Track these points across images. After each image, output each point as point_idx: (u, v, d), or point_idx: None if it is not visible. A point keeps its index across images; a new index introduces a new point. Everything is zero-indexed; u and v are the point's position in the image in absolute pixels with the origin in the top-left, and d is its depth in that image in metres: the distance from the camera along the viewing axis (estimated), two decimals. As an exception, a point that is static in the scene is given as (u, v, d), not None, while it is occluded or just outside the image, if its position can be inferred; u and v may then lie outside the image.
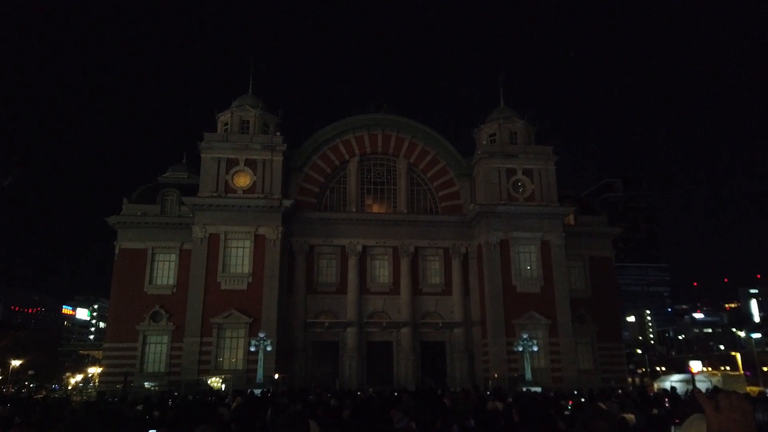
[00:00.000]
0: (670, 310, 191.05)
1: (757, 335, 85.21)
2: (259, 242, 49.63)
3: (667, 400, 20.82)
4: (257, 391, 29.76)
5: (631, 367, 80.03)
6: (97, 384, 55.39)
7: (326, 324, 51.48)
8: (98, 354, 62.21)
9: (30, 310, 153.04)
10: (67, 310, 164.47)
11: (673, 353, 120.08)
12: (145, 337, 50.44)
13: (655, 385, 47.22)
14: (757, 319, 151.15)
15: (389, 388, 34.94)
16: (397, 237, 53.81)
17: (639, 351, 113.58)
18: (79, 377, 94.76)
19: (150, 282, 51.72)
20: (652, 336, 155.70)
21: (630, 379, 59.33)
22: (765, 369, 76.55)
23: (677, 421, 12.53)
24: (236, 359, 46.96)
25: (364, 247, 53.73)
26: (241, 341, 47.06)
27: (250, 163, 51.23)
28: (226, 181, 50.53)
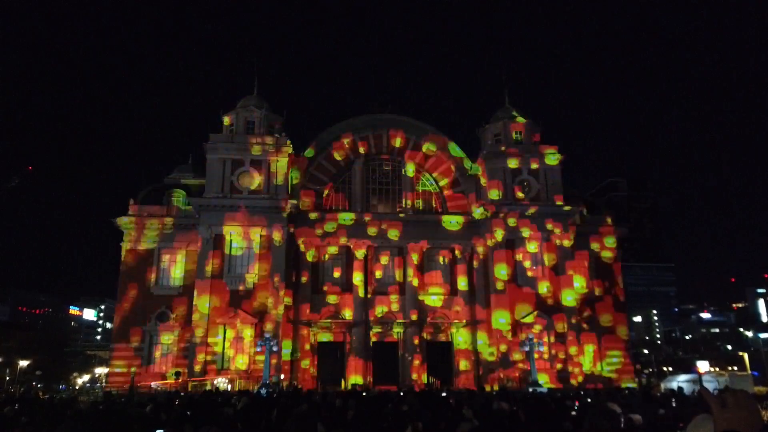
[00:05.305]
0: (676, 309, 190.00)
1: (764, 335, 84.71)
2: (264, 242, 49.73)
3: (674, 400, 20.75)
4: (263, 392, 29.86)
5: (638, 367, 79.75)
6: (104, 384, 55.65)
7: (332, 324, 51.54)
8: (105, 354, 62.54)
9: (37, 311, 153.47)
10: (74, 310, 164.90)
11: (680, 353, 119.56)
12: (151, 338, 50.63)
13: (662, 386, 47.10)
14: (764, 318, 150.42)
15: (395, 389, 34.93)
16: (402, 237, 53.78)
17: (645, 351, 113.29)
18: (86, 377, 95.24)
19: (156, 282, 51.92)
20: (658, 336, 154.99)
21: (636, 380, 59.03)
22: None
23: (681, 425, 12.47)
24: (242, 359, 47.06)
25: (369, 247, 53.74)
26: (247, 341, 47.18)
27: (256, 164, 51.34)
28: (232, 182, 50.66)
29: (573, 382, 46.66)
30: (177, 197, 54.38)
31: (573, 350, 49.54)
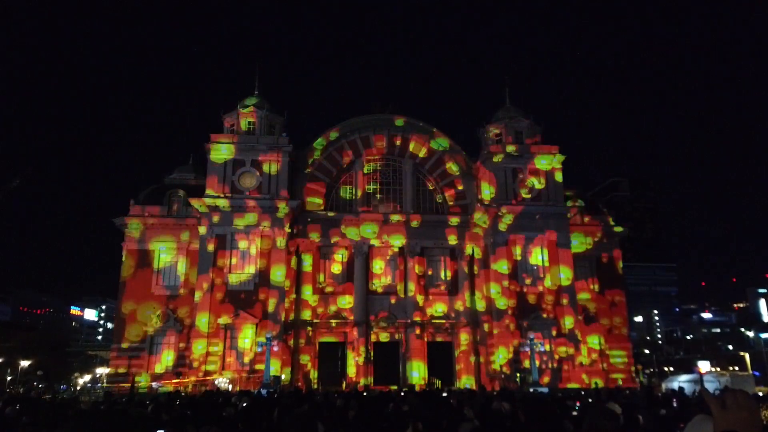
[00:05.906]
0: (677, 309, 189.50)
1: (765, 335, 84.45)
2: (265, 242, 49.75)
3: (675, 400, 20.74)
4: (264, 392, 29.85)
5: (639, 367, 79.72)
6: (104, 384, 55.69)
7: (333, 324, 51.54)
8: (106, 354, 62.56)
9: (38, 311, 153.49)
10: (75, 311, 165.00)
11: (681, 353, 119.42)
12: (152, 338, 50.63)
13: (663, 386, 47.04)
14: (765, 318, 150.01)
15: (396, 389, 34.94)
16: (403, 237, 53.79)
17: (647, 351, 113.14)
18: (87, 377, 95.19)
19: (157, 282, 51.92)
20: (659, 336, 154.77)
21: (638, 380, 59.00)
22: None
23: (682, 425, 12.45)
24: (243, 359, 47.06)
25: (370, 247, 53.75)
26: (248, 341, 47.20)
27: (257, 164, 51.37)
28: (233, 182, 50.69)
29: (574, 382, 46.60)
30: (178, 197, 54.35)
31: (574, 350, 49.49)
